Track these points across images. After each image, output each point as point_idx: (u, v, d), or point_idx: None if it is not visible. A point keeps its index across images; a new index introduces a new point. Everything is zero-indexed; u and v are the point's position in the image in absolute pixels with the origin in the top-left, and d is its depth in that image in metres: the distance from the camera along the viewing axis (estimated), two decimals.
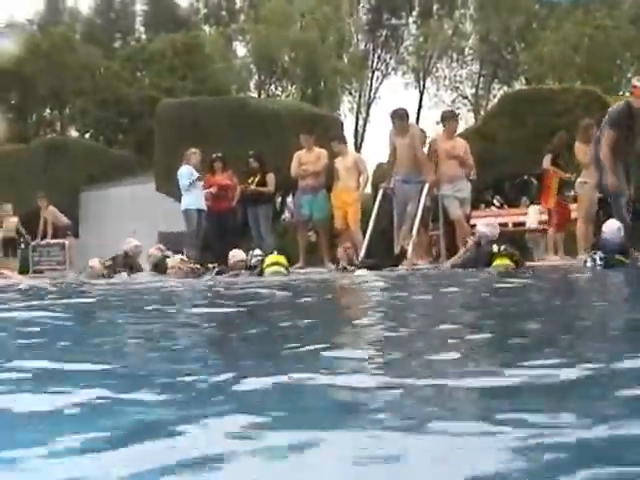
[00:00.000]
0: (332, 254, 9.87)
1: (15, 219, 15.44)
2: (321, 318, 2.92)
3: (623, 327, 2.64)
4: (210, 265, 9.17)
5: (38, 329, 2.79)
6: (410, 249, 8.79)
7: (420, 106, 35.25)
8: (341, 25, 34.85)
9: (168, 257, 9.04)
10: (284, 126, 14.70)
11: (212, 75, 29.69)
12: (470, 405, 1.30)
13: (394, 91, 39.02)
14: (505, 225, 11.91)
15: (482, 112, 30.00)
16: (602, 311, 3.13)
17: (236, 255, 8.81)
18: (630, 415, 1.13)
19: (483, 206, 14.47)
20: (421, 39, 35.76)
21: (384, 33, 36.60)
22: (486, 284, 5.55)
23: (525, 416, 1.11)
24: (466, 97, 36.49)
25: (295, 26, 33.93)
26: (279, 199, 16.03)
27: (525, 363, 1.61)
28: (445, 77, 36.43)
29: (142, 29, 38.19)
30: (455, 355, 1.82)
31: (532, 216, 12.40)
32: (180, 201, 10.95)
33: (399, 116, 9.46)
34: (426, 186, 9.15)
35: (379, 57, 36.98)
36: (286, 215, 16.23)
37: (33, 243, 15.04)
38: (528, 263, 8.43)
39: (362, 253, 8.98)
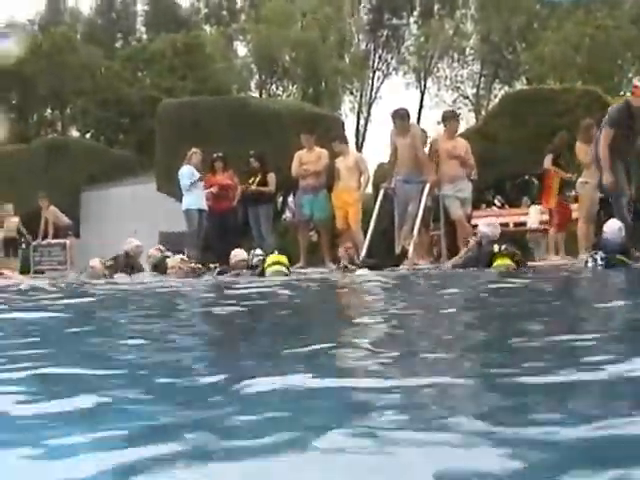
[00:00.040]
0: (333, 254, 9.86)
1: (16, 219, 15.45)
2: (322, 318, 2.92)
3: (623, 327, 2.64)
4: (212, 265, 9.17)
5: (38, 329, 2.79)
6: (411, 249, 8.78)
7: (421, 106, 35.27)
8: (342, 25, 34.84)
9: (168, 257, 9.03)
10: (285, 126, 14.69)
11: (213, 75, 29.71)
12: (470, 405, 1.30)
13: (395, 91, 39.11)
14: (506, 225, 11.91)
15: (483, 112, 29.98)
16: (602, 311, 3.13)
17: (238, 255, 8.81)
18: (630, 415, 1.13)
19: (484, 206, 14.46)
20: (422, 39, 35.74)
21: (385, 33, 36.61)
22: (486, 284, 5.55)
23: (526, 416, 1.11)
24: (467, 97, 36.49)
25: (296, 26, 33.93)
26: (280, 199, 16.03)
27: (525, 364, 1.61)
28: (446, 77, 36.44)
29: (143, 29, 38.22)
30: (455, 355, 1.82)
31: (533, 216, 12.40)
32: (181, 201, 10.95)
33: (400, 116, 9.46)
34: (427, 186, 9.15)
35: (380, 57, 36.99)
36: (287, 215, 16.23)
37: (34, 243, 15.04)
38: (529, 263, 8.43)
39: (363, 253, 8.98)
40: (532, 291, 4.97)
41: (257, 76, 35.54)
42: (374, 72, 36.71)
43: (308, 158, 10.40)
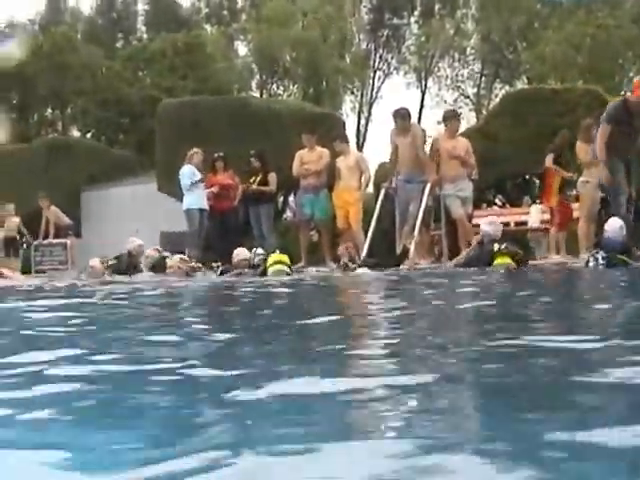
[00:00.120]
0: (334, 254, 9.86)
1: (17, 219, 15.47)
2: (322, 318, 2.91)
3: (623, 327, 2.64)
4: (214, 264, 9.18)
5: (38, 329, 2.79)
6: (412, 249, 8.79)
7: (422, 106, 35.33)
8: (343, 24, 34.87)
9: (166, 257, 9.03)
10: (286, 125, 14.69)
11: (213, 75, 29.73)
12: (472, 404, 1.30)
13: (396, 90, 39.18)
14: (507, 224, 11.92)
15: (484, 111, 30.01)
16: (602, 311, 3.12)
17: (240, 254, 8.81)
18: (630, 415, 1.12)
19: (485, 205, 14.48)
20: (423, 39, 35.78)
21: (386, 33, 36.66)
22: (486, 284, 5.55)
23: (526, 416, 1.11)
24: (468, 97, 36.53)
25: (297, 25, 33.98)
26: (281, 198, 16.05)
27: (525, 366, 1.61)
28: (447, 77, 36.51)
29: (143, 29, 38.28)
30: (455, 355, 1.82)
31: (534, 215, 12.41)
32: (181, 201, 10.96)
33: (401, 115, 9.47)
34: (428, 186, 9.15)
35: (381, 57, 37.04)
36: (288, 214, 16.24)
37: (35, 243, 15.06)
38: (530, 262, 8.43)
39: (364, 253, 8.98)
40: (532, 290, 4.96)
41: (258, 76, 35.58)
42: (375, 72, 36.77)
43: (309, 158, 10.40)
